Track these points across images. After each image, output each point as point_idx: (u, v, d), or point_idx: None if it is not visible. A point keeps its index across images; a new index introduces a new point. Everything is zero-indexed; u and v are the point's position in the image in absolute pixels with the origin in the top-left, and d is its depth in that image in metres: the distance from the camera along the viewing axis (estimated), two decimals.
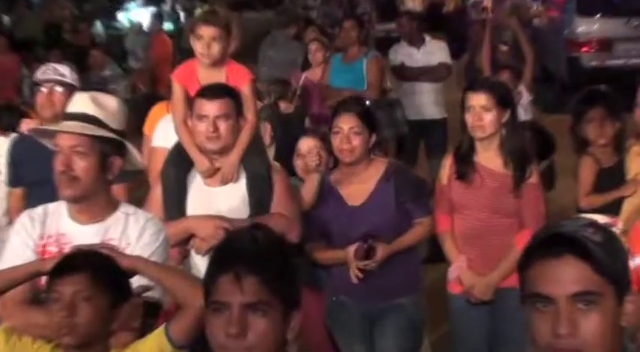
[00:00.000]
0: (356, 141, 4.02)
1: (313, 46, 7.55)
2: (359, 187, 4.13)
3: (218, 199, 3.92)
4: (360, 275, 3.99)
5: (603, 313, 1.72)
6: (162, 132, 4.58)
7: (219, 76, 4.07)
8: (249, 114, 3.93)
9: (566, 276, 1.73)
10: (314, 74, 7.46)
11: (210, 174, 3.87)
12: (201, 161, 3.87)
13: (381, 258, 4.02)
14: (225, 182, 3.85)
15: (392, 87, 7.66)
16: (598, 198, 4.58)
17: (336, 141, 4.04)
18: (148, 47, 11.71)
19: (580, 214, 4.52)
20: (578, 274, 1.73)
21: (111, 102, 3.21)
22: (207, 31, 4.02)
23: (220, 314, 2.00)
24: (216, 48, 4.02)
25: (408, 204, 4.08)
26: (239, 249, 2.07)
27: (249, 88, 4.06)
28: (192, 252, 3.85)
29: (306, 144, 4.44)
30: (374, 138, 4.09)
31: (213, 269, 2.06)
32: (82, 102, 3.14)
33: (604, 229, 1.78)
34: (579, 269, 1.72)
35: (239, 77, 4.11)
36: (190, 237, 3.82)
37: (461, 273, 4.25)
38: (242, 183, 3.91)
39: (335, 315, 4.25)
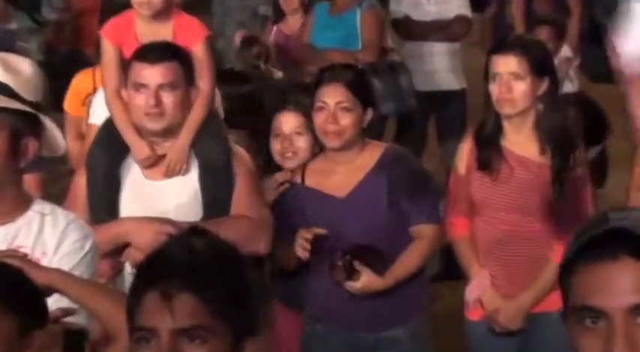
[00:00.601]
0: (345, 121, 4.13)
1: None
2: (346, 179, 4.28)
3: (162, 196, 4.07)
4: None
5: None
6: (102, 105, 4.68)
7: (164, 32, 4.21)
8: (204, 83, 4.08)
9: (624, 284, 1.77)
10: (289, 27, 7.71)
11: (152, 164, 3.98)
12: (139, 146, 3.99)
13: (363, 289, 4.18)
14: (171, 173, 3.97)
15: (394, 47, 7.92)
16: None
17: (319, 120, 4.16)
18: None
19: None
20: (639, 281, 1.78)
21: (23, 65, 3.35)
22: None
23: (147, 345, 2.05)
24: None
25: (404, 203, 4.19)
26: (170, 260, 2.13)
27: (203, 47, 4.20)
28: (127, 266, 3.96)
29: (288, 122, 4.52)
30: (369, 115, 4.22)
31: (138, 286, 2.12)
32: None
33: None
34: None
35: (190, 33, 4.26)
36: (125, 245, 3.93)
37: (482, 294, 4.42)
38: (193, 175, 4.06)
39: (311, 346, 4.43)
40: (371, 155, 4.30)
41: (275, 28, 7.89)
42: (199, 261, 2.12)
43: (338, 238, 4.25)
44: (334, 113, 4.15)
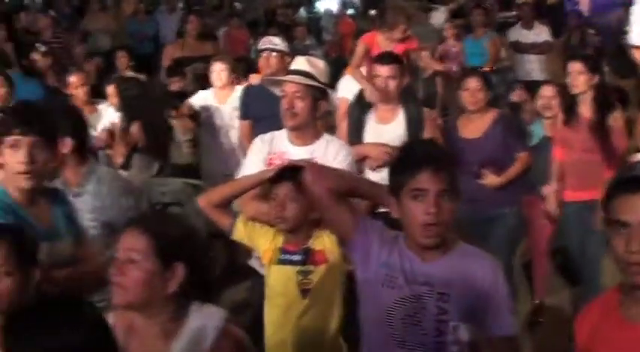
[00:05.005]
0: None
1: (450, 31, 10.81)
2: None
3: (385, 133, 4.81)
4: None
5: None
6: (344, 85, 5.92)
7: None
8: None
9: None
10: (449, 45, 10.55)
11: (382, 96, 4.82)
12: (369, 89, 4.97)
13: (489, 182, 5.11)
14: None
15: (506, 57, 9.61)
16: None
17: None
18: (336, 25, 15.47)
19: None
20: None
21: (319, 63, 4.03)
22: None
23: (417, 200, 2.54)
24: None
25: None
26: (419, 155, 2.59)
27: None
28: (366, 169, 4.66)
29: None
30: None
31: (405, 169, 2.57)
32: (300, 63, 3.97)
33: None
34: None
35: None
36: (364, 158, 4.70)
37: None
38: (402, 122, 4.86)
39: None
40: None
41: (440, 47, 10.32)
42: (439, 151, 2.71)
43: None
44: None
